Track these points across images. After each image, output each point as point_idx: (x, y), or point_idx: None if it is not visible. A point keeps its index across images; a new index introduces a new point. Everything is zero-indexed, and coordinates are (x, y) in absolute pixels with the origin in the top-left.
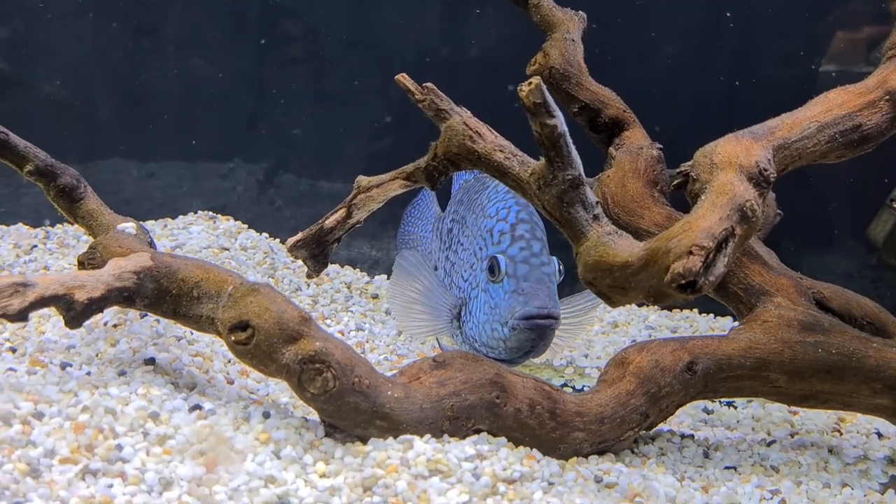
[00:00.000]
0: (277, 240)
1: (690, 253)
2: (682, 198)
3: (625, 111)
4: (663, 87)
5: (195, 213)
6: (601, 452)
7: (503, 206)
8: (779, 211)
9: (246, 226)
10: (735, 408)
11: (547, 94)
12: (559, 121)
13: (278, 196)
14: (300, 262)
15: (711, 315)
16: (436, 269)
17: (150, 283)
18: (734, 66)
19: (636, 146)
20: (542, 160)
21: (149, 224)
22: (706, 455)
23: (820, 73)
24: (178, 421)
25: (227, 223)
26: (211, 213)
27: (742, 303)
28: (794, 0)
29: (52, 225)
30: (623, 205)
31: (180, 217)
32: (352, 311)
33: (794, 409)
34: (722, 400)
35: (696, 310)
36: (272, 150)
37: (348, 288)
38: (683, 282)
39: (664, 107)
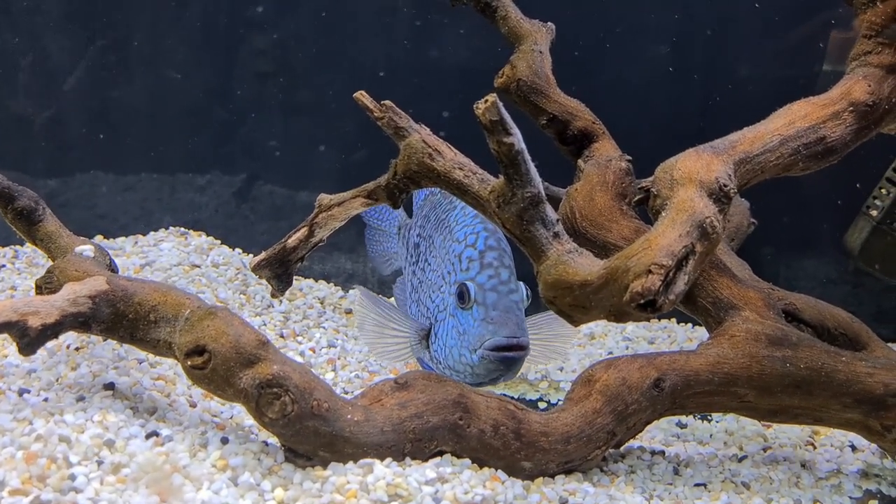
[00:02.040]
0: (250, 255)
1: (650, 272)
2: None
3: (594, 122)
4: (635, 96)
5: (166, 228)
6: (568, 472)
7: (471, 230)
8: (752, 220)
9: (219, 241)
10: (709, 421)
11: (503, 111)
12: (517, 138)
13: (252, 211)
14: None
15: (690, 325)
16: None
17: (106, 308)
18: (707, 73)
19: (605, 158)
20: (501, 178)
21: (119, 241)
22: (676, 472)
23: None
24: (133, 448)
25: (198, 239)
26: (182, 228)
27: (711, 316)
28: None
29: (22, 244)
30: (591, 218)
31: (151, 233)
32: (324, 328)
33: (766, 422)
34: (694, 415)
35: (674, 319)
36: (245, 164)
37: (321, 303)
38: (643, 301)
39: (636, 116)
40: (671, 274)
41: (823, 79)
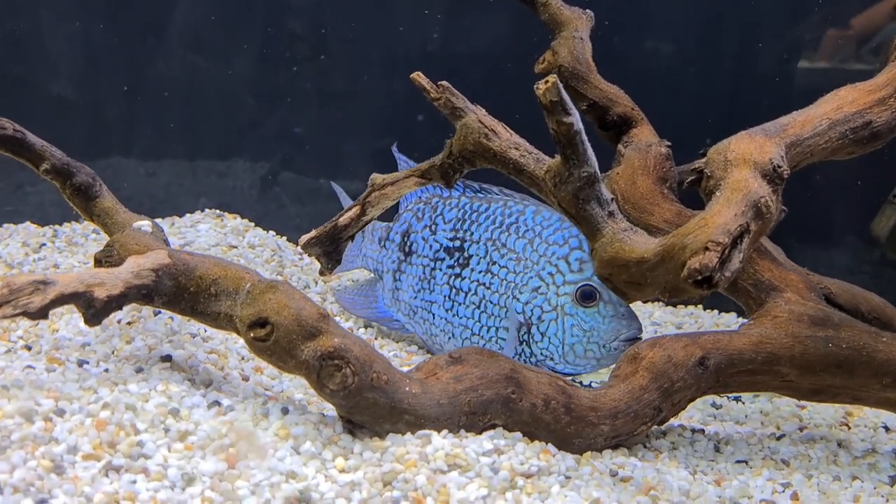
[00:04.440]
0: (284, 237)
1: (706, 249)
2: (691, 195)
3: (633, 109)
4: (666, 84)
5: (202, 211)
6: (614, 447)
7: (568, 234)
8: (783, 207)
9: (253, 224)
10: (742, 402)
11: (563, 92)
12: (575, 119)
13: (283, 194)
14: (308, 259)
15: (716, 311)
16: (393, 276)
17: (169, 281)
18: (737, 63)
19: (645, 143)
20: (558, 158)
21: (158, 220)
22: (717, 449)
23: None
24: (198, 417)
25: (234, 221)
26: (218, 210)
27: (752, 298)
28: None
29: (61, 223)
30: (633, 201)
31: (187, 215)
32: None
33: (801, 403)
34: (729, 395)
35: (700, 306)
36: (276, 148)
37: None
38: (700, 277)
39: (668, 105)
40: (727, 251)
41: (816, 76)
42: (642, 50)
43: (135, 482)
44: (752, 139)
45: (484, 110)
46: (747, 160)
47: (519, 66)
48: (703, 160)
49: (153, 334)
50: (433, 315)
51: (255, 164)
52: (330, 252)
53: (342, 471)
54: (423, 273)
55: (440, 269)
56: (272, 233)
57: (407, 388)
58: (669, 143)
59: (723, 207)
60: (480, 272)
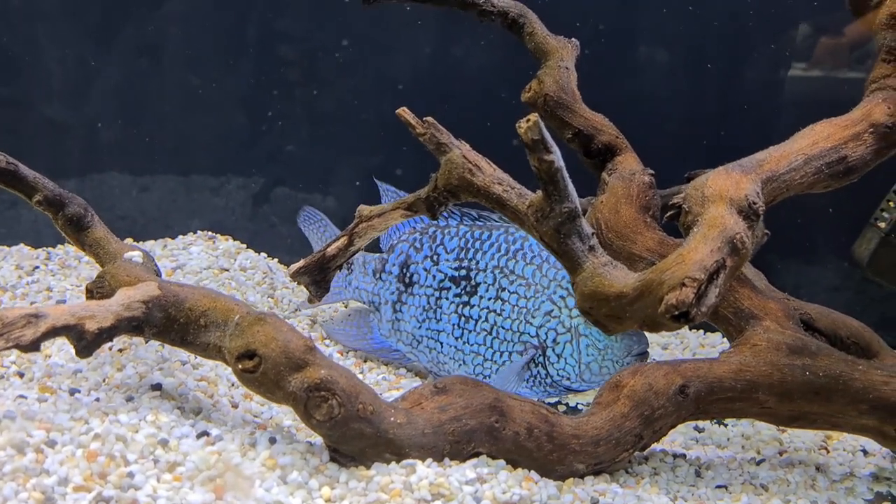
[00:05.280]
0: (276, 259)
1: (683, 285)
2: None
3: (617, 137)
4: (651, 109)
5: (194, 233)
6: (596, 473)
7: None
8: (766, 231)
9: (245, 246)
10: (725, 426)
11: (544, 130)
12: (556, 156)
13: (274, 214)
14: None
15: (701, 331)
16: (393, 307)
17: (159, 313)
18: (723, 81)
19: (629, 172)
20: (540, 193)
21: (149, 244)
22: (698, 474)
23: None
24: (186, 448)
25: (226, 243)
26: (210, 232)
27: (732, 326)
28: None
29: (54, 246)
30: (616, 230)
31: (180, 237)
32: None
33: (784, 427)
34: (710, 421)
35: (685, 326)
36: (268, 169)
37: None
38: (677, 312)
39: (652, 128)
40: (703, 287)
41: (810, 83)
42: (629, 69)
43: None
44: (728, 175)
45: (468, 146)
46: (723, 196)
47: (508, 90)
48: (682, 195)
49: (144, 362)
50: (441, 343)
51: (247, 185)
52: (318, 281)
53: (328, 500)
54: (428, 303)
55: (446, 299)
56: (263, 255)
57: (392, 419)
58: (653, 172)
59: (699, 244)
60: (490, 299)
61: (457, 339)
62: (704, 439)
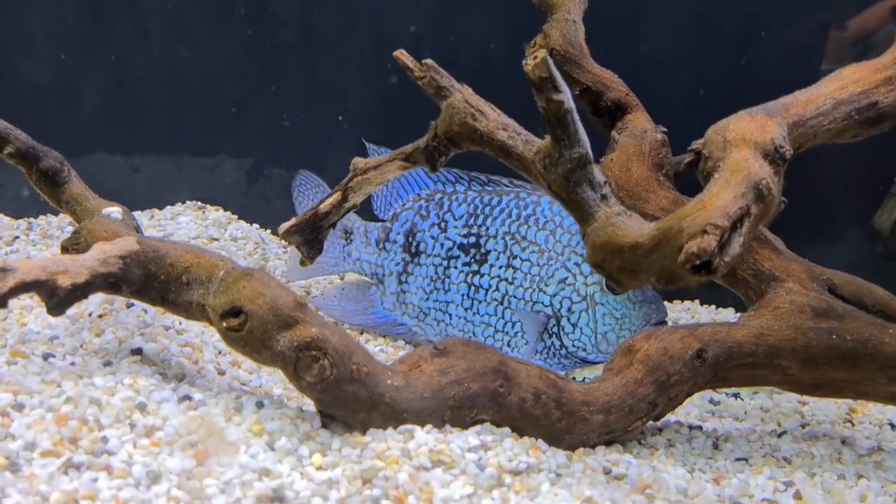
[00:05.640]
0: (268, 231)
1: (705, 232)
2: (689, 185)
3: (627, 94)
4: (662, 71)
5: (183, 203)
6: (608, 443)
7: None
8: (783, 199)
9: (236, 217)
10: (742, 399)
11: (553, 68)
12: (566, 96)
13: (268, 188)
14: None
15: (713, 307)
16: (398, 278)
17: (138, 269)
18: (736, 50)
19: (640, 130)
20: (548, 138)
21: (135, 214)
22: (716, 446)
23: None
24: (166, 412)
25: (216, 213)
26: (200, 203)
27: (751, 289)
28: None
29: (36, 216)
30: (627, 189)
31: (168, 208)
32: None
33: (803, 399)
34: (727, 392)
35: (697, 301)
36: (261, 142)
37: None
38: (698, 262)
39: (664, 92)
40: (726, 235)
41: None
42: (638, 35)
43: (96, 480)
44: (752, 118)
45: (471, 90)
46: (747, 140)
47: (512, 57)
48: (701, 141)
49: (125, 327)
50: (450, 315)
51: (240, 158)
52: (311, 241)
53: (319, 468)
54: (436, 273)
55: (455, 268)
56: (255, 226)
57: (389, 381)
58: (665, 130)
59: (722, 189)
60: (501, 267)
61: (466, 310)
62: (721, 412)
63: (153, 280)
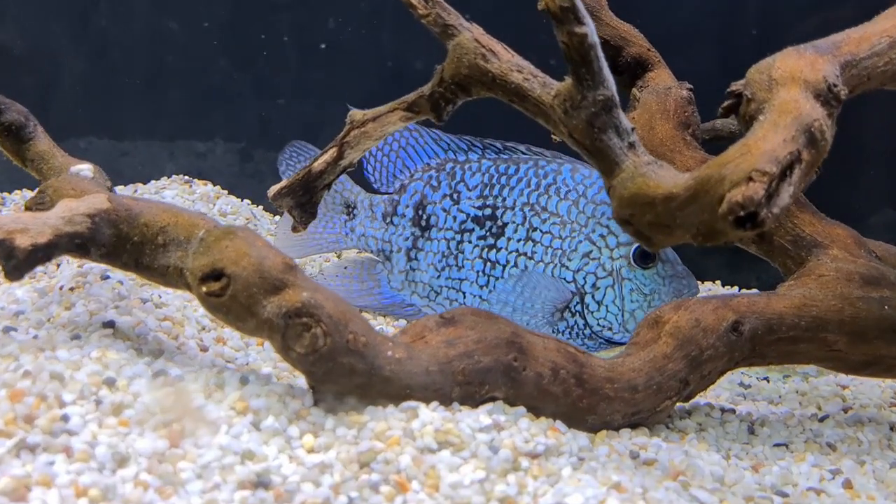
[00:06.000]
0: (261, 207)
1: (750, 179)
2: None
3: (649, 50)
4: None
5: (169, 177)
6: (633, 426)
7: None
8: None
9: (226, 192)
10: (771, 382)
11: None
12: (590, 29)
13: (261, 163)
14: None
15: (736, 288)
16: (407, 255)
17: (108, 229)
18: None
19: (663, 87)
20: (569, 79)
21: (117, 189)
22: (751, 431)
23: None
24: (137, 388)
25: (204, 188)
26: (187, 176)
27: (790, 257)
28: None
29: (10, 191)
30: (651, 148)
31: (152, 182)
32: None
33: (843, 382)
34: (757, 375)
35: (718, 282)
36: (253, 116)
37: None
38: (742, 213)
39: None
40: (775, 183)
41: None
42: None
43: (52, 463)
44: (801, 55)
45: (481, 29)
46: (797, 79)
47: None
48: (741, 82)
49: (97, 299)
50: (463, 294)
51: (232, 131)
52: (304, 203)
53: (311, 450)
54: (448, 248)
55: (469, 242)
56: (247, 201)
57: (389, 353)
58: (691, 87)
59: (769, 132)
60: (519, 241)
61: (482, 287)
62: (753, 395)
63: (125, 242)
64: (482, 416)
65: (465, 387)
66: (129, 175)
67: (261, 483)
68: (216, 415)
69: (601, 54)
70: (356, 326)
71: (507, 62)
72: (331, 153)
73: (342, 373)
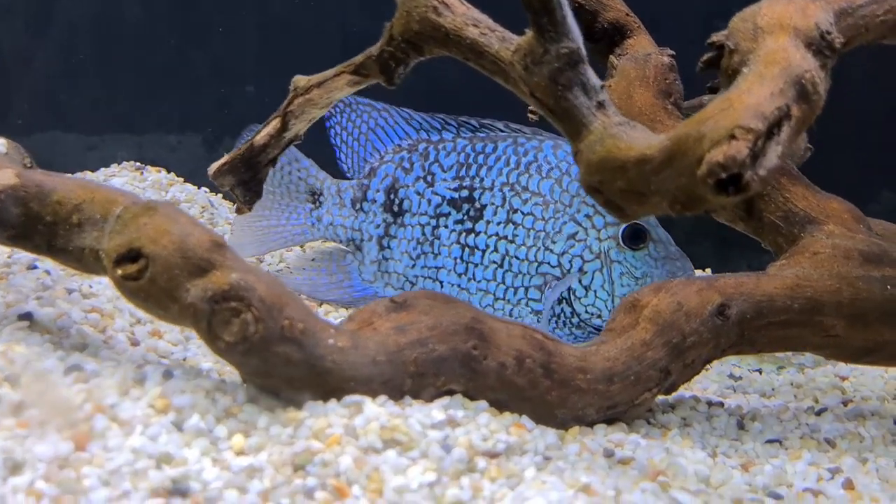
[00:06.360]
0: (219, 195)
1: (733, 137)
2: None
3: (628, 15)
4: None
5: (119, 164)
6: (609, 421)
7: None
8: (808, 145)
9: (181, 179)
10: (764, 374)
11: None
12: None
13: (225, 150)
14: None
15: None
16: (379, 244)
17: (15, 208)
18: None
19: (642, 53)
20: (530, 32)
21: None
22: (741, 426)
23: None
24: (44, 385)
25: (156, 175)
26: (138, 163)
27: (781, 235)
28: None
29: None
30: (630, 118)
31: (102, 169)
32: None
33: (842, 374)
34: (749, 367)
35: (708, 270)
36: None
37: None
38: (724, 175)
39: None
40: (761, 141)
41: None
42: None
43: None
44: (790, 1)
45: None
46: (785, 26)
47: None
48: (723, 32)
49: (18, 290)
50: (441, 283)
51: (186, 115)
52: (247, 181)
53: (240, 452)
54: (423, 234)
55: (445, 227)
56: (204, 189)
57: (331, 342)
58: (673, 53)
59: (754, 84)
60: (499, 223)
61: (460, 275)
62: (744, 387)
63: (36, 222)
64: (435, 411)
65: (419, 378)
66: (95, 168)
67: (177, 490)
68: (130, 414)
69: (566, 3)
70: (293, 311)
71: (462, 15)
72: (273, 125)
73: (277, 363)
